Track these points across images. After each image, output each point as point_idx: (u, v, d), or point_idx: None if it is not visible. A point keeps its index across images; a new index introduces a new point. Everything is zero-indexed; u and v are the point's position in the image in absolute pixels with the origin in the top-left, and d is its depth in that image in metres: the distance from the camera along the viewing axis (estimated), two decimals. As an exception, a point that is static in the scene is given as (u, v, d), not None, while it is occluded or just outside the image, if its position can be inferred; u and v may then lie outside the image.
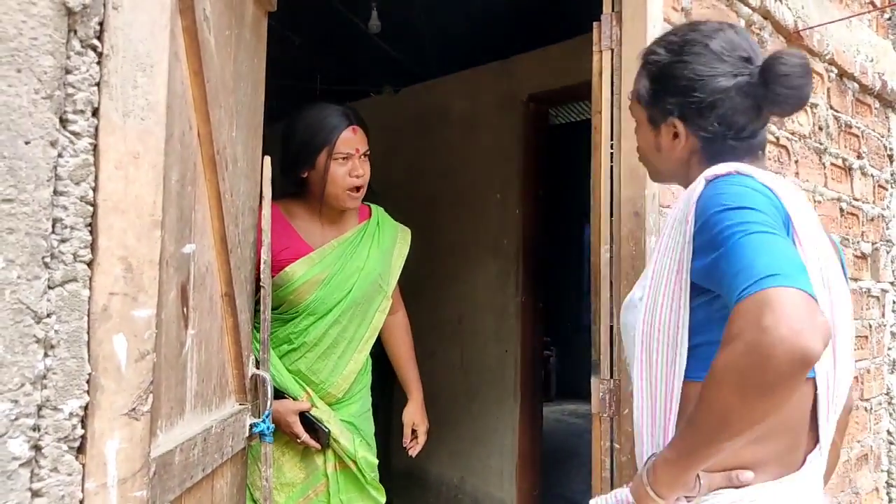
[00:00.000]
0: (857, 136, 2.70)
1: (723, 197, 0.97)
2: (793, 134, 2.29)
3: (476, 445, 3.53)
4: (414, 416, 2.14)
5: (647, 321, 1.06)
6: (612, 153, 1.75)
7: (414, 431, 2.13)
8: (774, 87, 1.05)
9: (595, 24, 1.81)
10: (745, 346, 0.82)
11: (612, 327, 1.72)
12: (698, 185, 1.03)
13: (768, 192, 0.99)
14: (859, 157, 2.71)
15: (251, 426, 1.40)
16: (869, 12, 2.73)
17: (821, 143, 2.45)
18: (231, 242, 1.28)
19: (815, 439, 1.05)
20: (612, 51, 1.76)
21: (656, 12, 1.71)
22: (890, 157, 2.96)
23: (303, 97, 4.26)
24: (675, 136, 1.14)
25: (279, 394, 1.76)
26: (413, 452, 2.12)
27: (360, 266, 1.87)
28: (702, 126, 1.10)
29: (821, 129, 2.45)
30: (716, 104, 1.08)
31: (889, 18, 3.05)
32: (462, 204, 3.69)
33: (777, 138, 2.21)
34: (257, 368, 1.43)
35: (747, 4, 2.03)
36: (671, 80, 1.12)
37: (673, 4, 1.81)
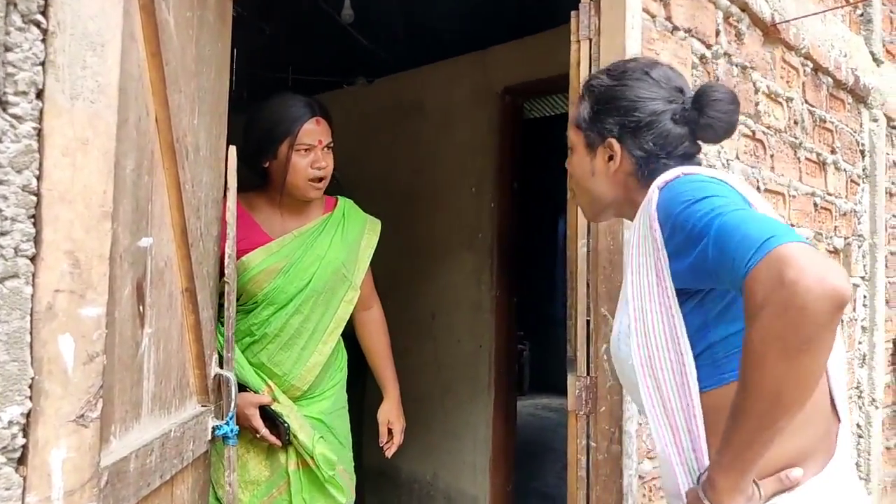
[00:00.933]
0: (830, 131, 2.70)
1: (683, 195, 0.99)
2: (768, 128, 2.28)
3: (449, 441, 3.49)
4: (389, 414, 2.10)
5: (642, 344, 1.03)
6: (589, 145, 1.71)
7: (390, 431, 2.08)
8: (707, 111, 1.10)
9: (573, 13, 1.77)
10: (776, 307, 0.79)
11: (588, 322, 1.69)
12: (652, 194, 1.04)
13: (722, 182, 1.02)
14: (833, 151, 2.72)
15: (214, 429, 1.33)
16: (842, 7, 2.73)
17: (796, 138, 2.44)
18: (192, 236, 1.21)
19: (837, 418, 1.05)
20: (591, 41, 1.72)
21: (635, 2, 1.68)
22: (862, 152, 2.98)
23: (275, 87, 4.21)
24: (611, 157, 1.16)
25: (240, 387, 1.72)
26: (389, 453, 2.08)
27: (320, 255, 1.84)
28: (638, 145, 1.13)
29: (796, 123, 2.44)
30: (652, 125, 1.12)
31: (861, 14, 3.06)
32: (436, 197, 3.63)
33: (753, 132, 2.20)
34: (221, 367, 1.37)
35: (725, -4, 2.01)
36: (612, 102, 1.15)
37: (647, -7, 1.77)
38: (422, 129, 3.73)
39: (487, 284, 3.41)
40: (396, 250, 3.71)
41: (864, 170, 3.00)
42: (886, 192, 3.09)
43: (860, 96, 2.90)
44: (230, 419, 1.35)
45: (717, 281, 0.94)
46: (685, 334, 0.99)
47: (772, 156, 2.29)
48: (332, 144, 1.86)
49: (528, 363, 7.33)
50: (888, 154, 3.18)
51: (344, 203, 2.02)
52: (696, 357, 0.99)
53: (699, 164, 1.17)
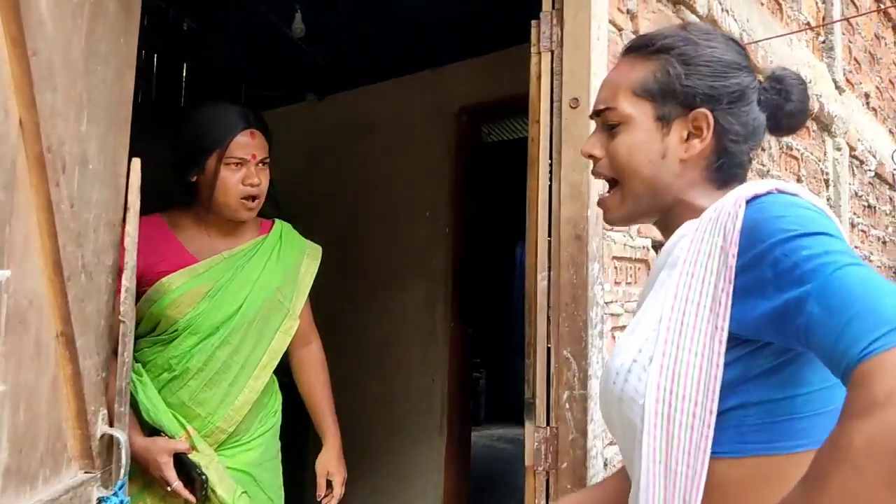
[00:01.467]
0: (796, 159, 2.61)
1: (784, 221, 0.76)
2: (737, 154, 2.15)
3: (397, 485, 3.26)
4: (329, 464, 1.87)
5: (665, 387, 0.81)
6: (550, 167, 1.55)
7: (329, 482, 1.86)
8: (792, 96, 0.90)
9: (534, 22, 1.61)
10: None
11: (548, 364, 1.51)
12: (733, 207, 0.80)
13: (826, 214, 0.79)
14: (799, 180, 2.62)
15: (99, 500, 1.09)
16: (805, 31, 2.65)
17: (763, 165, 2.33)
18: (70, 267, 0.98)
19: None
20: (552, 52, 1.56)
21: (601, 11, 1.53)
22: (826, 181, 2.90)
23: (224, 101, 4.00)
24: (691, 136, 0.90)
25: (154, 430, 1.56)
26: None
27: (252, 278, 1.67)
28: (734, 123, 0.89)
29: (763, 150, 2.33)
30: (748, 98, 0.90)
31: (823, 41, 3.01)
32: (388, 221, 3.45)
33: (722, 158, 2.06)
34: (111, 426, 1.13)
35: (694, 12, 1.89)
36: (703, 62, 0.90)
37: (618, 5, 1.63)
38: (373, 150, 3.57)
39: (441, 314, 3.22)
40: (344, 275, 3.52)
41: (828, 200, 2.91)
42: (850, 223, 3.01)
43: (824, 124, 2.83)
44: (119, 488, 1.11)
45: (796, 341, 0.72)
46: (718, 389, 0.78)
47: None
48: (267, 160, 1.68)
49: (483, 392, 7.12)
50: (850, 184, 3.11)
51: (281, 226, 1.85)
52: (719, 414, 0.78)
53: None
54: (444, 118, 3.33)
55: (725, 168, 0.90)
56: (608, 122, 0.95)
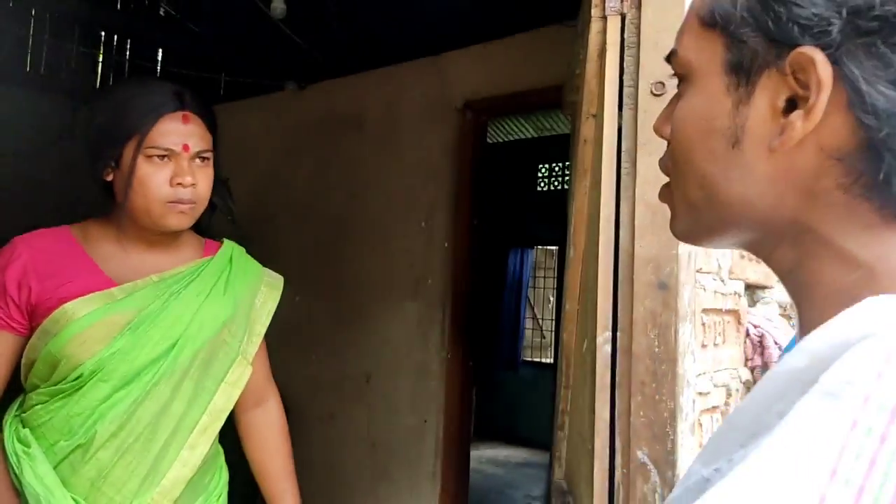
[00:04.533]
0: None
1: None
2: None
3: (382, 543, 2.79)
4: None
5: None
6: (618, 182, 1.08)
7: None
8: None
9: (595, -25, 1.14)
10: None
11: (612, 472, 1.04)
12: None
13: None
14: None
15: None
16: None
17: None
18: None
19: None
20: (623, 17, 1.10)
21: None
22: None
23: (203, 92, 3.65)
24: (793, 103, 0.44)
25: None
26: None
27: (192, 308, 1.31)
28: (893, 78, 0.41)
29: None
30: None
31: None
32: (377, 231, 3.02)
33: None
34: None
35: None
36: None
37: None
38: (361, 147, 3.17)
39: (437, 343, 2.77)
40: (324, 293, 3.08)
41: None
42: None
43: None
44: None
45: None
46: None
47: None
48: (208, 155, 1.30)
49: (473, 410, 6.70)
50: None
51: (231, 247, 1.45)
52: None
53: None
54: (445, 114, 2.90)
55: (894, 181, 0.42)
56: (677, 76, 0.53)
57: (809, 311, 0.45)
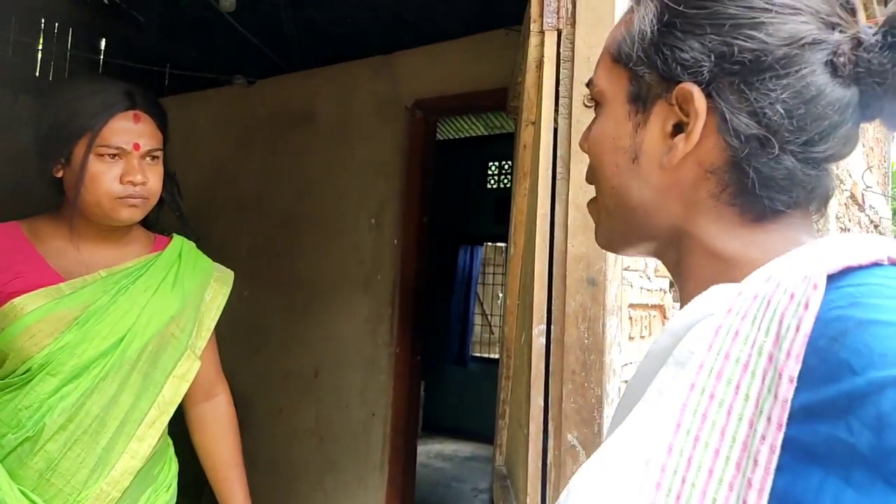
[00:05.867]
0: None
1: None
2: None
3: (330, 534, 2.83)
4: None
5: None
6: (553, 186, 1.16)
7: None
8: None
9: (534, -9, 1.21)
10: None
11: (545, 453, 1.12)
12: (802, 285, 0.43)
13: None
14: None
15: None
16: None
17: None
18: None
19: None
20: (560, 32, 1.17)
21: (627, -19, 1.15)
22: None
23: (146, 82, 3.56)
24: (679, 128, 0.54)
25: None
26: None
27: (139, 304, 1.32)
28: (752, 108, 0.50)
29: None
30: (791, 65, 0.50)
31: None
32: (327, 227, 3.02)
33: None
34: None
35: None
36: (706, 5, 0.52)
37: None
38: (311, 144, 3.16)
39: (385, 338, 2.81)
40: (273, 287, 3.08)
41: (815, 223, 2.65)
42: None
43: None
44: None
45: None
46: None
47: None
48: (158, 154, 1.32)
49: (420, 404, 6.75)
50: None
51: (181, 242, 1.46)
52: None
53: (833, 186, 0.55)
54: (395, 112, 2.93)
55: (753, 190, 0.51)
56: (594, 100, 0.63)
57: (685, 298, 0.55)
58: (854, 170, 3.54)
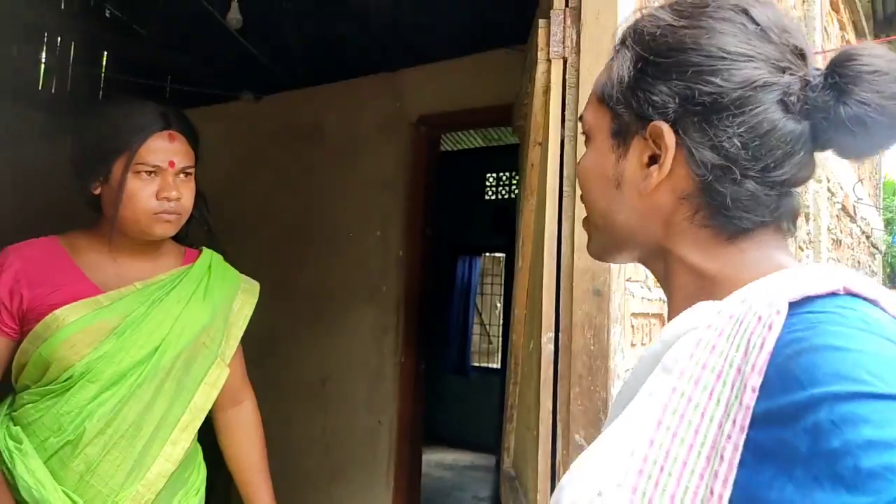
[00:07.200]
0: (786, 192, 2.41)
1: (851, 358, 0.47)
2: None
3: (337, 541, 2.89)
4: None
5: None
6: (560, 203, 1.24)
7: None
8: (859, 91, 0.56)
9: (542, 22, 1.31)
10: None
11: (553, 453, 1.20)
12: (774, 314, 0.51)
13: None
14: (788, 215, 2.42)
15: None
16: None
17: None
18: None
19: None
20: (566, 60, 1.26)
21: (628, 12, 1.24)
22: (807, 215, 2.73)
23: (150, 97, 3.60)
24: (654, 159, 0.63)
25: None
26: None
27: (173, 314, 1.38)
28: (712, 143, 0.59)
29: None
30: (745, 105, 0.58)
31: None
32: (333, 240, 3.10)
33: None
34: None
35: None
36: (673, 55, 0.61)
37: (645, 4, 1.34)
38: (318, 159, 3.24)
39: (391, 348, 2.88)
40: (281, 299, 3.15)
41: (808, 234, 2.74)
42: (827, 261, 2.85)
43: (808, 153, 2.65)
44: None
45: None
46: None
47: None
48: (191, 171, 1.39)
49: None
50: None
51: (210, 255, 1.53)
52: None
53: (798, 207, 0.63)
54: (400, 128, 3.01)
55: (723, 211, 0.59)
56: (584, 134, 0.73)
57: (673, 310, 0.64)
58: (845, 182, 3.64)
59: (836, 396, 0.44)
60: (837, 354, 0.46)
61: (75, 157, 1.34)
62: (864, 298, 0.51)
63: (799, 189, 0.63)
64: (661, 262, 0.65)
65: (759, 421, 0.47)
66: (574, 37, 1.26)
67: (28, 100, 3.84)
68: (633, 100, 0.63)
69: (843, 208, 3.52)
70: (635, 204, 0.64)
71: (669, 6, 0.64)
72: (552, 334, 1.22)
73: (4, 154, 3.62)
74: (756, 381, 0.48)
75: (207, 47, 3.37)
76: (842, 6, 3.72)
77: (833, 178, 3.16)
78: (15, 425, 1.29)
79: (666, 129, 0.60)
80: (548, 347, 1.22)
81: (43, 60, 3.95)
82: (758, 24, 0.60)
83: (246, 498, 1.54)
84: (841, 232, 3.55)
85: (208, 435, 1.54)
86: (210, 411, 1.47)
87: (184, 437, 1.38)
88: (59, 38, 3.97)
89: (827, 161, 2.95)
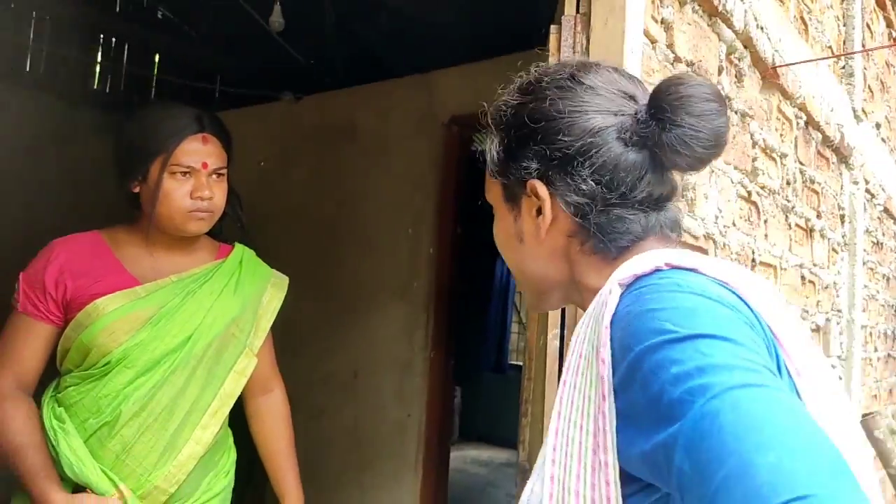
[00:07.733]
0: (817, 193, 2.39)
1: (660, 315, 0.57)
2: (763, 188, 1.92)
3: (366, 529, 2.97)
4: None
5: None
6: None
7: None
8: (674, 117, 0.67)
9: (553, 28, 1.35)
10: None
11: (558, 445, 1.24)
12: (608, 294, 0.62)
13: (729, 297, 0.60)
14: (819, 216, 2.40)
15: None
16: (835, 57, 2.44)
17: (788, 201, 2.10)
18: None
19: None
20: (576, 65, 1.30)
21: (635, 18, 1.27)
22: (842, 216, 2.69)
23: (198, 97, 3.75)
24: (539, 211, 0.75)
25: (79, 487, 1.35)
26: None
27: (205, 306, 1.46)
28: (573, 186, 0.71)
29: (788, 183, 2.10)
30: (588, 151, 0.70)
31: (843, 67, 2.80)
32: (366, 237, 3.18)
33: (749, 193, 1.83)
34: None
35: (730, 27, 1.64)
36: (526, 126, 0.74)
37: (653, 13, 1.37)
38: (353, 158, 3.31)
39: (421, 343, 2.95)
40: (314, 294, 3.25)
41: (843, 237, 2.70)
42: (864, 263, 2.81)
43: (844, 155, 2.62)
44: None
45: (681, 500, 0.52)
46: None
47: (765, 221, 1.93)
48: (224, 172, 1.47)
49: (457, 411, 6.85)
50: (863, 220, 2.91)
51: (242, 250, 1.61)
52: None
53: (678, 219, 0.75)
54: (432, 128, 3.07)
55: (601, 232, 0.71)
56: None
57: None
58: (888, 184, 3.56)
59: (649, 349, 0.54)
60: (651, 314, 0.56)
61: (116, 157, 1.44)
62: (684, 269, 0.62)
63: (679, 204, 0.76)
64: (577, 294, 0.76)
65: (618, 390, 0.57)
66: (584, 42, 1.30)
67: (82, 99, 4.01)
68: (509, 170, 0.75)
69: (886, 210, 3.44)
70: (538, 251, 0.76)
71: (517, 88, 0.78)
72: (558, 331, 1.26)
73: (60, 151, 3.81)
74: (604, 352, 0.58)
75: (251, 49, 3.47)
76: (888, 3, 3.63)
77: (874, 179, 3.10)
78: (59, 406, 1.38)
79: (539, 184, 0.73)
80: (554, 343, 1.26)
81: (98, 61, 4.12)
82: (585, 84, 0.72)
83: (274, 481, 1.62)
84: (883, 234, 3.47)
85: (238, 420, 1.62)
86: (241, 398, 1.55)
87: (213, 421, 1.46)
88: (112, 40, 4.13)
89: (866, 163, 2.90)
